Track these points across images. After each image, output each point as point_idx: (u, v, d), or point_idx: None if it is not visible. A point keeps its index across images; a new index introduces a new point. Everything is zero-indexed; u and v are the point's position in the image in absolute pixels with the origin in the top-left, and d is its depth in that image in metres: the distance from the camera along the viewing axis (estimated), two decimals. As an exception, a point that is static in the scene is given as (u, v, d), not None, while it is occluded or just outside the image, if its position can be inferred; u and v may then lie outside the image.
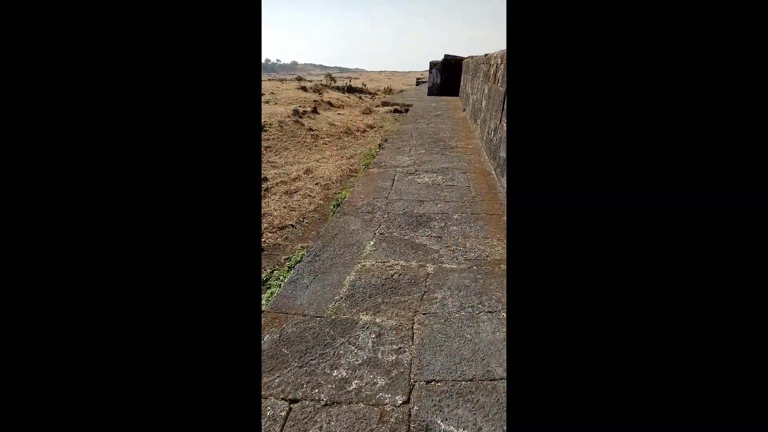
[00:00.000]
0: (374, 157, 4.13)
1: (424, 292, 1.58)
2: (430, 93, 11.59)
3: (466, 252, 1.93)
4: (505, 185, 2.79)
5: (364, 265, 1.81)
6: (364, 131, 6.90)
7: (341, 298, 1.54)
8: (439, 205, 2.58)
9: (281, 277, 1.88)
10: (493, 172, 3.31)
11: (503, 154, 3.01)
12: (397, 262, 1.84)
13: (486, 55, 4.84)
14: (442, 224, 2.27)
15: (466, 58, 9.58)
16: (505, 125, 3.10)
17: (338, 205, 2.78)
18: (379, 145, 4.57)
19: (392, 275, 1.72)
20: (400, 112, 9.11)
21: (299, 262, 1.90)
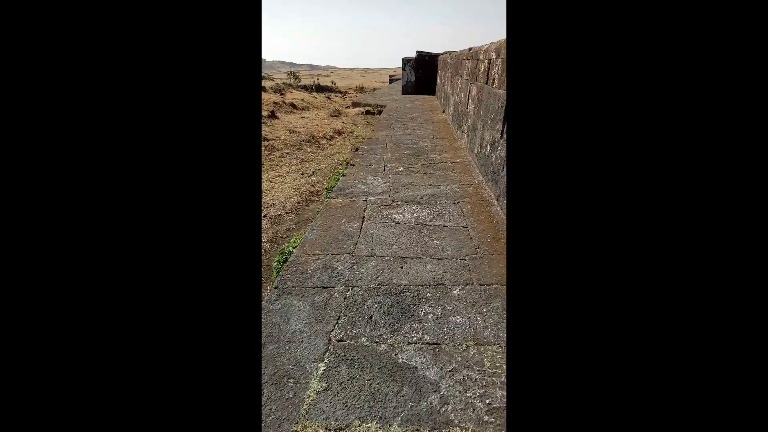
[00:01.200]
0: (339, 178, 3.25)
1: None
2: (405, 92, 10.80)
3: (486, 386, 1.11)
4: (517, 226, 2.02)
5: (302, 441, 0.94)
6: (331, 138, 5.98)
7: None
8: (429, 267, 1.75)
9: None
10: (495, 202, 2.53)
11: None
12: (365, 424, 0.99)
13: (471, 49, 4.08)
14: (438, 311, 1.44)
15: (443, 53, 8.86)
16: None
17: (284, 262, 1.89)
18: (347, 161, 3.69)
19: (356, 475, 0.86)
20: (373, 114, 8.24)
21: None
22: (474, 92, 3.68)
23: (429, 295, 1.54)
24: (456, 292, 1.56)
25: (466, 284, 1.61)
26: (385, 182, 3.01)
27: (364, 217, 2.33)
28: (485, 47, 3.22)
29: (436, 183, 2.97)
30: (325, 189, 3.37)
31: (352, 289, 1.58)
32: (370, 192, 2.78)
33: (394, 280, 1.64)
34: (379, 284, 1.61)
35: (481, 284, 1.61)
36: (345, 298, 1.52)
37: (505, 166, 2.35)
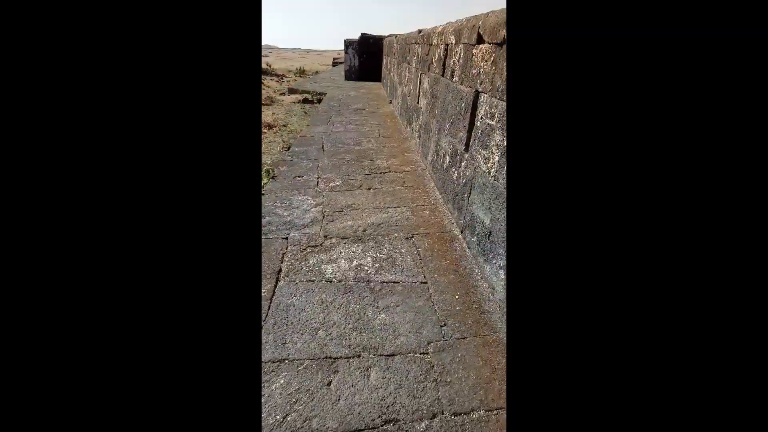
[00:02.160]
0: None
1: None
2: (348, 77, 9.89)
3: None
4: (494, 285, 1.45)
5: None
6: (259, 133, 4.97)
7: None
8: (373, 378, 1.10)
9: None
10: (460, 236, 1.95)
11: (481, 213, 1.65)
12: None
13: (420, 31, 3.42)
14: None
15: (387, 36, 8.12)
16: (481, 156, 1.73)
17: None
18: (268, 171, 2.85)
19: None
20: (312, 102, 7.26)
21: None
22: (426, 85, 3.05)
23: (373, 456, 0.89)
24: (419, 441, 0.93)
25: (433, 416, 0.99)
26: (316, 204, 2.27)
27: (280, 271, 1.58)
28: (439, 29, 2.59)
29: (384, 204, 2.32)
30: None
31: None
32: (295, 223, 2.02)
33: (315, 424, 0.96)
34: (286, 436, 0.92)
35: (455, 414, 1.00)
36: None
37: (473, 191, 1.77)
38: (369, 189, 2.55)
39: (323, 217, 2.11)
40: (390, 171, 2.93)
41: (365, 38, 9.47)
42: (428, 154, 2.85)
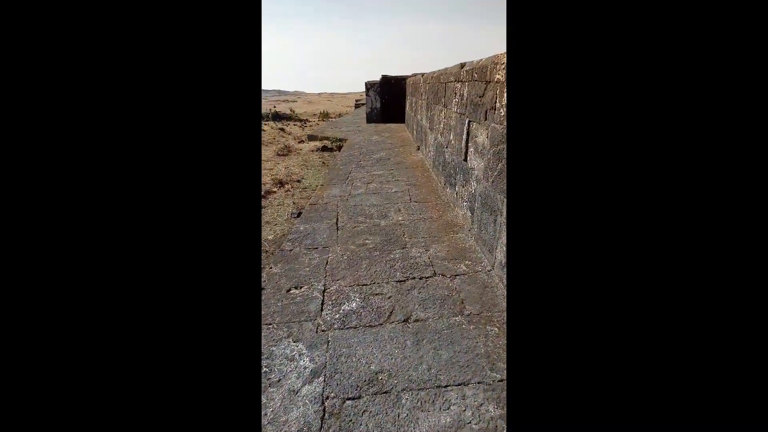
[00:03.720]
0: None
1: None
2: (370, 120, 9.34)
3: None
4: None
5: None
6: (267, 195, 4.19)
7: None
8: None
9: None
10: None
11: None
12: None
13: (464, 65, 2.52)
14: None
15: (410, 76, 7.52)
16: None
17: None
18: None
19: None
20: (331, 150, 6.59)
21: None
22: (483, 139, 2.08)
23: None
24: None
25: None
26: (313, 373, 1.24)
27: None
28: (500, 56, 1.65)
29: (438, 376, 1.23)
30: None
31: None
32: (264, 442, 1.00)
33: None
34: None
35: None
36: None
37: None
38: (406, 322, 1.51)
39: (321, 428, 1.07)
40: (435, 273, 1.88)
41: (386, 79, 8.99)
42: (496, 248, 1.80)
